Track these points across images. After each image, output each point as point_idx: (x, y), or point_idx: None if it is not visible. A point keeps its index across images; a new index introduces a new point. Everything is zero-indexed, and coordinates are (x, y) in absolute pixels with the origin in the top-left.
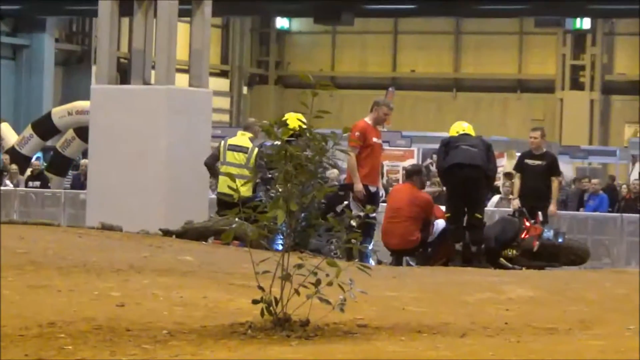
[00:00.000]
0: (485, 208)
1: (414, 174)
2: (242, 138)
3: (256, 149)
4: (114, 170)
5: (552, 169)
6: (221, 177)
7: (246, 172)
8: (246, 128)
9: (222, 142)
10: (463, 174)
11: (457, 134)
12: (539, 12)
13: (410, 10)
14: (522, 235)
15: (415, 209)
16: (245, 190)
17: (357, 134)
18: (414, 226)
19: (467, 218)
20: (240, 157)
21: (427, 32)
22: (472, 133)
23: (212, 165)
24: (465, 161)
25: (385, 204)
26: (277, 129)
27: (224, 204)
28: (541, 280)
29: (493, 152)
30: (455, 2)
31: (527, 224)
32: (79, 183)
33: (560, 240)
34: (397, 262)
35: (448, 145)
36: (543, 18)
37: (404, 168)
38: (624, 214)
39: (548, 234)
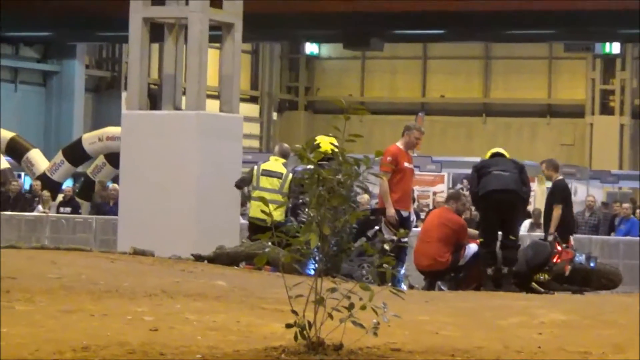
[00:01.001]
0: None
1: (451, 199)
2: (275, 163)
3: (290, 175)
4: (145, 196)
5: (551, 196)
6: (253, 202)
7: (279, 198)
8: (281, 153)
9: (255, 167)
10: (497, 199)
11: (489, 155)
12: (568, 37)
13: (439, 36)
14: (554, 260)
15: (446, 230)
16: (278, 215)
17: (389, 158)
18: (445, 248)
19: (501, 239)
20: (274, 183)
21: (456, 57)
22: (507, 154)
23: (242, 187)
24: (499, 187)
25: (417, 229)
26: (309, 152)
27: (256, 228)
28: (574, 304)
29: (527, 174)
30: (485, 27)
31: (559, 248)
32: (108, 208)
33: (592, 264)
34: (429, 286)
35: (480, 170)
36: (572, 43)
37: (434, 193)
38: None
39: (580, 258)
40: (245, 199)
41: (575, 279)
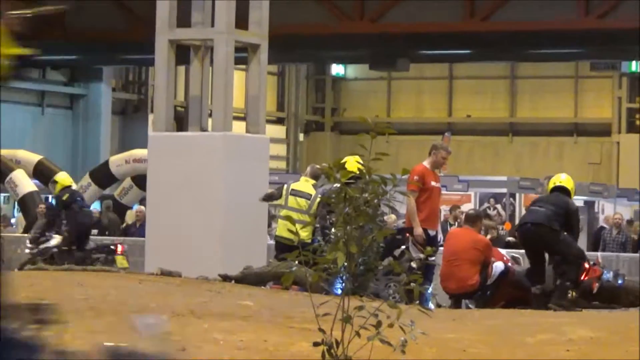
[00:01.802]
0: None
1: (474, 219)
2: (305, 184)
3: (319, 197)
4: (172, 217)
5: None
6: (280, 221)
7: (306, 218)
8: (312, 175)
9: (285, 186)
10: (527, 232)
11: (550, 189)
12: (594, 56)
13: (465, 56)
14: (582, 277)
15: (475, 252)
16: (305, 235)
17: (415, 177)
18: (473, 270)
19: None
20: (302, 203)
21: (482, 77)
22: (570, 185)
23: (267, 200)
24: (529, 220)
25: (442, 248)
26: (336, 171)
27: (283, 248)
28: (601, 321)
29: (575, 216)
30: (510, 47)
31: (587, 265)
32: (135, 230)
33: (620, 282)
34: (455, 305)
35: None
36: (599, 62)
37: (462, 213)
38: None
39: (607, 275)
40: (271, 219)
41: (603, 297)
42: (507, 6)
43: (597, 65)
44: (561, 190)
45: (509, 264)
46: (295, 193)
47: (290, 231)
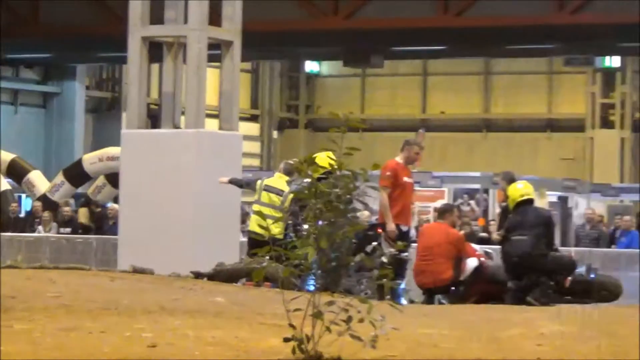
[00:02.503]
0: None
1: (446, 213)
2: (278, 180)
3: (291, 194)
4: (145, 214)
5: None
6: (253, 216)
7: (279, 214)
8: (286, 171)
9: (259, 182)
10: (516, 265)
11: (520, 199)
12: (568, 52)
13: (439, 52)
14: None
15: (449, 247)
16: (277, 231)
17: (388, 173)
18: (447, 264)
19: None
20: (274, 199)
21: (456, 74)
22: (532, 192)
23: (240, 185)
24: (516, 254)
25: (415, 244)
26: (308, 167)
27: (254, 243)
28: (573, 315)
29: (552, 229)
30: (484, 43)
31: None
32: (108, 227)
33: (592, 276)
34: (429, 301)
35: (507, 230)
36: (572, 57)
37: (435, 209)
38: None
39: (580, 269)
40: (245, 216)
41: (576, 291)
42: (481, 1)
43: (571, 61)
44: (528, 202)
45: (482, 259)
46: (268, 189)
47: (261, 226)
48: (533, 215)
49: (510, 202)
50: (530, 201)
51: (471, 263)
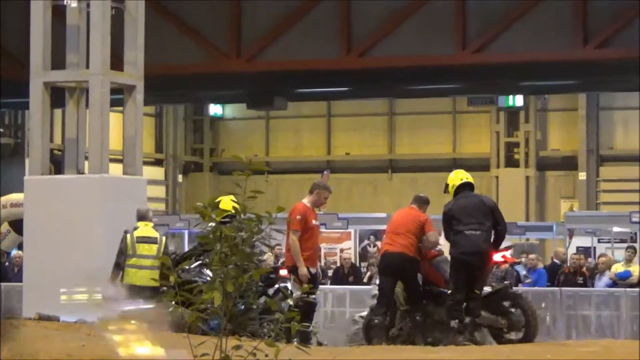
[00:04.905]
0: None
1: (421, 201)
2: (146, 229)
3: (164, 238)
4: (50, 260)
5: None
6: (130, 270)
7: (157, 263)
8: (143, 218)
9: (129, 236)
10: (468, 262)
11: (460, 182)
12: (471, 91)
13: (343, 93)
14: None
15: (415, 222)
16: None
17: (298, 217)
18: (414, 238)
19: (467, 292)
20: (152, 249)
21: (360, 115)
22: (470, 178)
23: (118, 258)
24: (470, 250)
25: (325, 286)
26: (211, 211)
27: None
28: (483, 353)
29: (499, 210)
30: (388, 83)
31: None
32: (13, 275)
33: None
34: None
35: (451, 221)
36: (476, 97)
37: (341, 250)
38: (563, 288)
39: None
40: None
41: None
42: (384, 41)
43: (474, 101)
44: (469, 186)
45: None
46: (144, 240)
47: (154, 279)
48: (482, 204)
49: (450, 189)
50: (470, 185)
51: (432, 236)
